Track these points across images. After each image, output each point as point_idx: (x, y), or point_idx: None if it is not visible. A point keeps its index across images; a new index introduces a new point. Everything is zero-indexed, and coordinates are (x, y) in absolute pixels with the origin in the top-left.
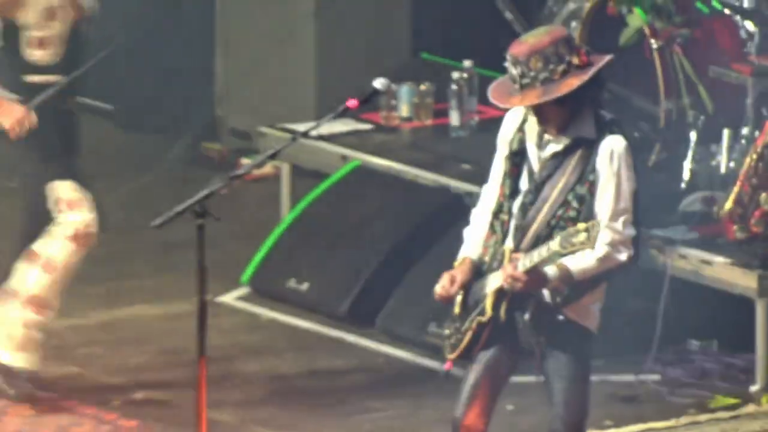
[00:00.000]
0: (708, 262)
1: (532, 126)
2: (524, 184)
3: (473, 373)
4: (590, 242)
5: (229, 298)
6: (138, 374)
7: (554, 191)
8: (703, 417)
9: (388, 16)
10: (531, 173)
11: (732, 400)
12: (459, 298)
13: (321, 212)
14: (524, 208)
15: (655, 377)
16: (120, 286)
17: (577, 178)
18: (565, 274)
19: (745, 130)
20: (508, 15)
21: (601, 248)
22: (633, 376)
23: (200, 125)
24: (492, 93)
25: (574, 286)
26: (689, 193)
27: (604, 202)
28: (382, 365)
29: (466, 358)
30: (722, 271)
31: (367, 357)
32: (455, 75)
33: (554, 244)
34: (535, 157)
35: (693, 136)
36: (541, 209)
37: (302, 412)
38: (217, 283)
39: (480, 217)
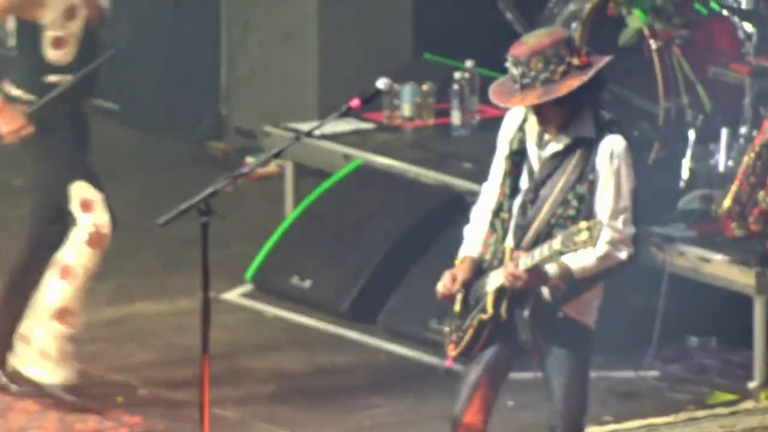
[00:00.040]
0: (707, 260)
1: (532, 125)
2: (524, 183)
3: (472, 371)
4: (592, 241)
5: (233, 295)
6: (142, 371)
7: (554, 190)
8: (701, 413)
9: (391, 16)
10: (531, 172)
11: (730, 396)
12: (459, 297)
13: (324, 210)
14: (524, 207)
15: (655, 373)
16: (124, 283)
17: (576, 178)
18: (566, 273)
19: (743, 130)
20: (509, 16)
21: (601, 247)
22: (632, 372)
23: (206, 123)
24: (493, 93)
25: (574, 284)
26: (688, 192)
27: (604, 201)
28: (383, 362)
29: (466, 356)
30: (721, 268)
31: (369, 354)
32: (457, 75)
33: (556, 242)
34: (535, 156)
35: (692, 135)
36: (541, 208)
37: (304, 408)
38: (220, 281)
39: (480, 216)
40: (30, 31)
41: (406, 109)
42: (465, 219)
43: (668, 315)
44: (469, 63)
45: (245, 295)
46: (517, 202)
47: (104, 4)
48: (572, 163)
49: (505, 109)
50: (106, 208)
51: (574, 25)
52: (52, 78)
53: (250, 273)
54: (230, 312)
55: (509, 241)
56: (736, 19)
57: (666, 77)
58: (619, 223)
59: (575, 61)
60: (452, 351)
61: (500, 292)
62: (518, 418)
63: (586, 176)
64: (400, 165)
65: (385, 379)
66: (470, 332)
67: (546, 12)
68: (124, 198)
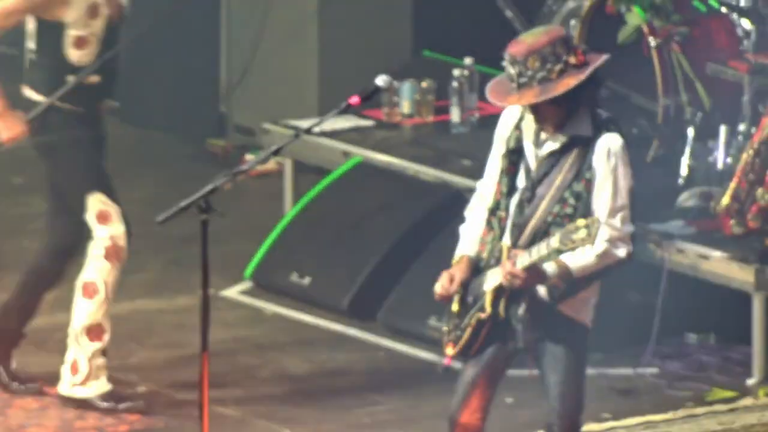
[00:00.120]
0: (705, 257)
1: (529, 124)
2: (521, 181)
3: (470, 370)
4: (590, 239)
5: (233, 292)
6: (142, 368)
7: (551, 189)
8: (700, 410)
9: (390, 14)
10: (528, 171)
11: (729, 393)
12: (457, 295)
13: (323, 207)
14: (521, 206)
15: (653, 370)
16: (124, 281)
17: (573, 176)
18: (564, 271)
19: (741, 127)
20: (509, 13)
21: (599, 245)
22: (631, 370)
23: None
24: (490, 91)
25: (572, 283)
26: (687, 189)
27: (601, 200)
28: (383, 359)
29: (465, 354)
30: (719, 265)
31: (368, 351)
32: (456, 72)
33: (554, 241)
34: (532, 155)
35: (690, 132)
36: (538, 206)
37: (304, 405)
38: (220, 278)
39: (476, 214)
40: (51, 32)
41: (406, 107)
42: (464, 216)
43: (667, 312)
44: (468, 60)
45: (245, 293)
46: (515, 200)
47: (124, 1)
48: (569, 162)
49: (504, 107)
50: (122, 220)
51: (573, 22)
52: (72, 79)
53: (249, 270)
54: (230, 309)
55: (506, 240)
56: (734, 16)
57: (665, 75)
58: (617, 221)
59: (572, 60)
60: (451, 350)
61: (498, 291)
62: (517, 415)
63: (583, 174)
64: (400, 162)
65: (384, 377)
66: (468, 331)
67: (545, 9)
68: (124, 195)
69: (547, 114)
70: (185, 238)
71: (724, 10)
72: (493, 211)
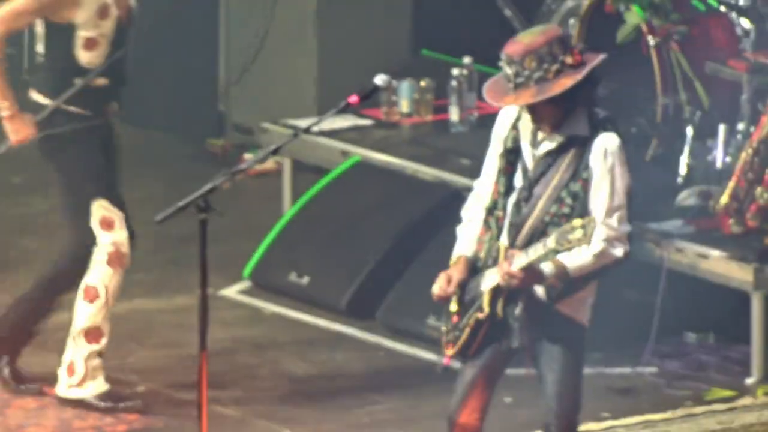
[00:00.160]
0: (704, 256)
1: (526, 124)
2: (518, 181)
3: (469, 370)
4: (586, 239)
5: (231, 292)
6: (140, 368)
7: (548, 188)
8: (699, 409)
9: (389, 13)
10: (525, 171)
11: (728, 393)
12: (455, 296)
13: (322, 207)
14: (518, 205)
15: (652, 369)
16: (122, 280)
17: (570, 176)
18: (562, 271)
19: (740, 126)
20: (508, 12)
21: (596, 245)
22: (630, 369)
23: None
24: (487, 91)
25: (569, 282)
26: (685, 188)
27: (598, 199)
28: (381, 358)
29: (463, 355)
30: (719, 264)
31: (367, 350)
32: (455, 71)
33: (550, 241)
34: (529, 154)
35: (689, 131)
36: (535, 206)
37: (303, 405)
38: (218, 277)
39: (472, 214)
40: (60, 34)
41: (404, 106)
42: (462, 216)
43: (666, 311)
44: (467, 59)
45: (243, 292)
46: (512, 200)
47: (133, 3)
48: (566, 161)
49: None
50: (125, 226)
51: (571, 21)
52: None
53: (248, 270)
54: (228, 309)
55: (503, 240)
56: (733, 15)
57: (664, 74)
58: (614, 221)
59: (569, 60)
60: (449, 350)
61: (496, 291)
62: (516, 415)
63: (580, 174)
64: (398, 161)
65: (383, 376)
66: (467, 331)
67: (544, 8)
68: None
69: (544, 114)
70: (184, 237)
71: (723, 9)
72: (490, 210)
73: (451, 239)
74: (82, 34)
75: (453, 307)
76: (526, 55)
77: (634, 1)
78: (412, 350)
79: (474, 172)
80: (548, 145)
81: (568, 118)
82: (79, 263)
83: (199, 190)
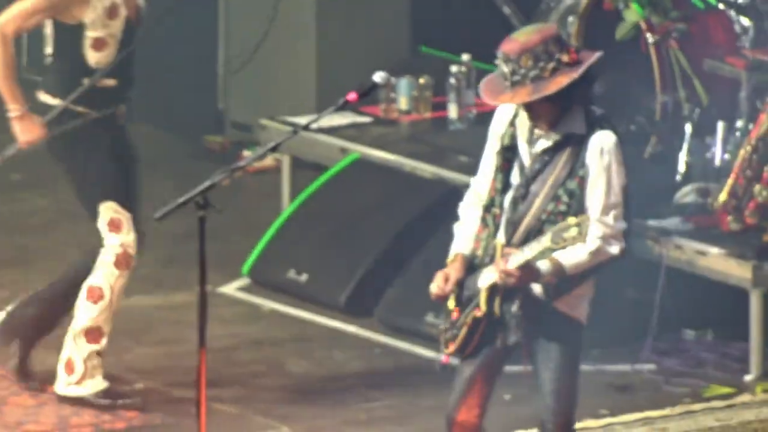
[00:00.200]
0: (703, 253)
1: (523, 121)
2: (515, 178)
3: (467, 368)
4: (581, 237)
5: (230, 289)
6: (139, 365)
7: (545, 186)
8: (697, 406)
9: (388, 10)
10: (522, 168)
11: (727, 390)
12: (453, 294)
13: (321, 204)
14: (515, 203)
15: (651, 367)
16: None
17: (567, 174)
18: (558, 269)
19: (739, 123)
20: (506, 10)
21: (593, 242)
22: (628, 366)
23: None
24: (483, 90)
25: (566, 280)
26: (684, 185)
27: (595, 197)
28: (380, 356)
29: (462, 352)
30: (717, 261)
31: (366, 347)
32: (454, 68)
33: (545, 239)
34: (525, 152)
35: (688, 128)
36: (531, 204)
37: (301, 402)
38: (217, 274)
39: (469, 211)
40: (69, 34)
41: (403, 103)
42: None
43: (664, 308)
44: (465, 57)
45: (242, 289)
46: (509, 197)
47: (141, 2)
48: (563, 159)
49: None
50: (132, 228)
51: (570, 18)
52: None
53: (246, 267)
54: (227, 306)
55: (500, 237)
56: (732, 12)
57: (663, 71)
58: (610, 219)
59: (565, 58)
60: (447, 348)
61: (493, 289)
62: (515, 411)
63: (577, 172)
64: (397, 158)
65: (382, 373)
66: (464, 329)
67: (542, 6)
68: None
69: (541, 112)
70: (183, 234)
71: (721, 6)
72: (487, 208)
73: (450, 236)
74: (90, 34)
75: (451, 304)
76: (522, 53)
77: None
78: (410, 347)
79: (473, 170)
80: (545, 143)
81: (565, 116)
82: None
83: (198, 187)
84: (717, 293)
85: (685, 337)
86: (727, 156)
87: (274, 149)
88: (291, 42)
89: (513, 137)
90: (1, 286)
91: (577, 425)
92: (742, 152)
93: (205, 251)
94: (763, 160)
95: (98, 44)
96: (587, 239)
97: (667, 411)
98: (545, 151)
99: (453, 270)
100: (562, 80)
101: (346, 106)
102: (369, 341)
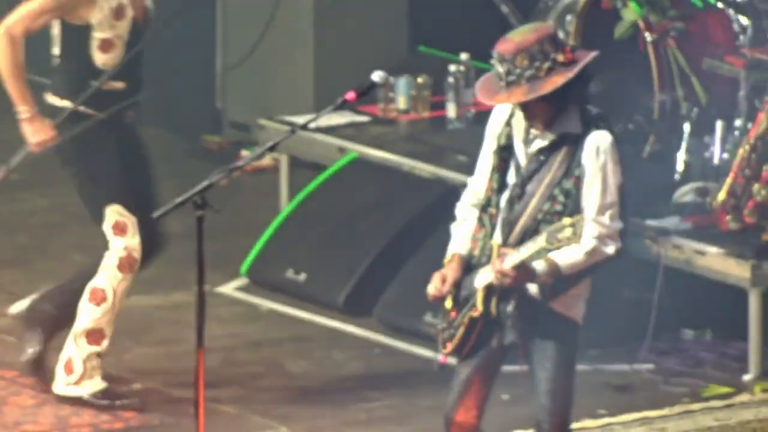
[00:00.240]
0: (702, 253)
1: (519, 121)
2: (511, 178)
3: (465, 369)
4: (576, 237)
5: (228, 288)
6: (137, 365)
7: (541, 186)
8: (696, 406)
9: (386, 9)
10: (518, 168)
11: (725, 389)
12: (450, 294)
13: (319, 204)
14: (511, 203)
15: (649, 366)
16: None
17: (563, 173)
18: (554, 269)
19: (738, 122)
20: (505, 9)
21: (589, 242)
22: (627, 366)
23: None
24: (479, 90)
25: (562, 280)
26: (683, 184)
27: (591, 197)
28: (378, 356)
29: (459, 353)
30: (716, 261)
31: (364, 347)
32: (452, 68)
33: (540, 239)
34: (521, 152)
35: (687, 127)
36: (527, 204)
37: (300, 401)
38: (216, 274)
39: (466, 211)
40: (76, 36)
41: (401, 102)
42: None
43: (663, 308)
44: (464, 56)
45: (240, 289)
46: (505, 197)
47: (149, 3)
48: (558, 159)
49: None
50: (137, 231)
51: (568, 17)
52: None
53: (245, 266)
54: (225, 306)
55: (497, 237)
56: (730, 11)
57: (661, 70)
58: (606, 219)
59: (560, 58)
60: (445, 348)
61: (489, 289)
62: (513, 412)
63: (572, 172)
64: (395, 158)
65: (380, 373)
66: (461, 329)
67: (541, 5)
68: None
69: (536, 112)
70: (181, 234)
71: (720, 5)
72: (484, 208)
73: (448, 236)
74: (97, 36)
75: (448, 305)
76: (517, 53)
77: None
78: (409, 347)
79: (471, 169)
80: (540, 142)
81: (560, 115)
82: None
83: (196, 186)
84: (716, 293)
85: (683, 337)
86: (725, 155)
87: (272, 149)
88: (289, 41)
89: (509, 137)
90: (0, 287)
91: (576, 425)
92: (740, 151)
93: (204, 251)
94: (762, 159)
95: (105, 46)
96: (583, 239)
97: (665, 411)
98: (541, 151)
99: (450, 270)
100: (558, 80)
101: (344, 106)
102: (368, 341)
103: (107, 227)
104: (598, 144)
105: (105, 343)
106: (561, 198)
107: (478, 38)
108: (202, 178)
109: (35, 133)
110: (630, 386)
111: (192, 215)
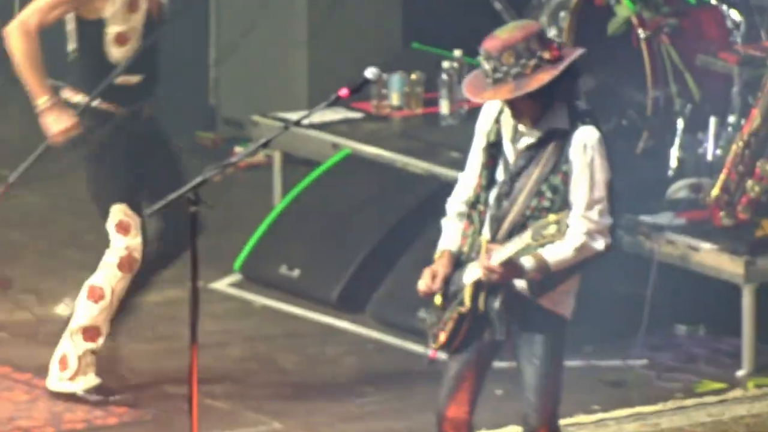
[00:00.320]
0: (695, 248)
1: (508, 118)
2: (500, 175)
3: (455, 364)
4: (560, 234)
5: (222, 284)
6: (130, 361)
7: (528, 182)
8: (689, 401)
9: (380, 6)
10: (506, 164)
11: (719, 385)
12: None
13: (312, 200)
14: (499, 199)
15: (643, 362)
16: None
17: (550, 169)
18: (542, 265)
19: (731, 118)
20: (498, 5)
21: (577, 238)
22: (620, 361)
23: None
24: (466, 87)
25: (550, 276)
26: (676, 180)
27: (579, 193)
28: (372, 351)
29: (448, 348)
30: (709, 257)
31: (358, 343)
32: (445, 64)
33: (526, 236)
34: (510, 148)
35: (680, 124)
36: (515, 200)
37: (293, 397)
38: (209, 270)
39: (456, 208)
40: (92, 30)
41: (395, 99)
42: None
43: (656, 303)
44: (457, 52)
45: (234, 285)
46: (494, 194)
47: None
48: (546, 155)
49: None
50: (140, 231)
51: (562, 14)
52: (117, 78)
53: (238, 263)
54: (219, 302)
55: (485, 233)
56: (724, 7)
57: (654, 66)
58: (594, 214)
59: (546, 55)
60: (434, 343)
61: (477, 285)
62: (506, 407)
63: (560, 168)
64: (389, 154)
65: (373, 368)
66: (450, 325)
67: (534, 1)
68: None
69: (523, 108)
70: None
71: (713, 1)
72: (473, 204)
73: (441, 232)
74: (112, 29)
75: (438, 300)
76: (503, 50)
77: None
78: (402, 343)
79: (464, 165)
80: (528, 139)
81: (547, 112)
82: (161, 262)
83: (190, 182)
84: (709, 288)
85: (677, 333)
86: (719, 151)
87: (265, 145)
88: (282, 38)
89: (498, 134)
90: None
91: (569, 420)
92: (734, 147)
93: (197, 247)
94: (755, 155)
95: (120, 39)
96: (572, 235)
97: (659, 406)
98: (529, 148)
99: (440, 266)
100: (544, 77)
101: (337, 102)
102: (361, 337)
103: (111, 225)
104: (585, 140)
105: (101, 340)
106: (548, 194)
107: (472, 35)
108: (196, 174)
109: (57, 121)
110: (623, 382)
111: (185, 211)
